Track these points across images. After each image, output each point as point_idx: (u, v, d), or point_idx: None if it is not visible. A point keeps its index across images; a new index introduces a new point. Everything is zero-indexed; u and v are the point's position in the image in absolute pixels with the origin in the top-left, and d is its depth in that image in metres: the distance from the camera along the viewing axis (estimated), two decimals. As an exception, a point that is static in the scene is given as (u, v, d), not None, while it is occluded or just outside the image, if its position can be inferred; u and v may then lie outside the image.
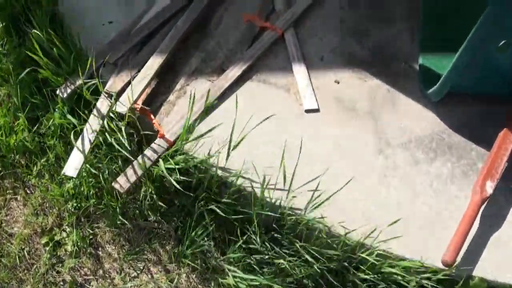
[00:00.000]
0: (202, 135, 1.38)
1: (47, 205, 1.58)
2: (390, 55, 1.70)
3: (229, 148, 1.34)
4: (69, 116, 1.49)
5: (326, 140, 1.48)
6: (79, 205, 1.52)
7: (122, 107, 1.46)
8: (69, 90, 1.53)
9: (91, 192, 1.49)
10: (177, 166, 1.35)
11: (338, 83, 1.62)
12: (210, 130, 1.38)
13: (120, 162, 1.46)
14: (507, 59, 1.35)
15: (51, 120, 1.57)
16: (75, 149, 1.42)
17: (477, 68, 1.40)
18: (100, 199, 1.50)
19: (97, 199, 1.50)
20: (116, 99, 1.47)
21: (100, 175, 1.44)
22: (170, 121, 1.51)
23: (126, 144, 1.39)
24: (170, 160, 1.38)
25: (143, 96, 1.55)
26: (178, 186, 1.32)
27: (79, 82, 1.56)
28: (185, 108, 1.50)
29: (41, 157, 1.60)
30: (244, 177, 1.38)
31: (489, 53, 1.35)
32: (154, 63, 1.55)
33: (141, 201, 1.45)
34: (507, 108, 1.49)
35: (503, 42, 1.28)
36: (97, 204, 1.51)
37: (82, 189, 1.49)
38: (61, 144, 1.55)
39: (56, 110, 1.56)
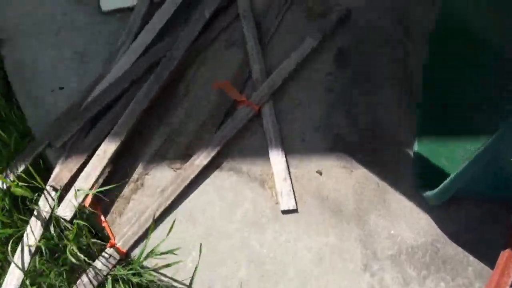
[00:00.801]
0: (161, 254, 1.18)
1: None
2: (380, 135, 1.50)
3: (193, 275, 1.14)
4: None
5: (305, 251, 1.28)
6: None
7: (66, 211, 1.23)
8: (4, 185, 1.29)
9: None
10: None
11: (321, 174, 1.41)
12: (170, 251, 1.18)
13: (65, 275, 1.24)
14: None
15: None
16: (12, 265, 1.20)
17: (489, 177, 1.21)
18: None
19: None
20: (59, 201, 1.24)
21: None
22: (123, 223, 1.29)
23: (72, 258, 1.17)
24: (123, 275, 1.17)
25: (95, 188, 1.32)
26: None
27: (20, 168, 1.33)
28: (141, 206, 1.29)
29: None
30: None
31: (503, 164, 1.15)
32: (108, 149, 1.33)
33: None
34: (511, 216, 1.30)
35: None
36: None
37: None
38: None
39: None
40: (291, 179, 1.38)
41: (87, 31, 1.62)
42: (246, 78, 1.58)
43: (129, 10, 1.68)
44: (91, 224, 1.30)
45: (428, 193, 1.30)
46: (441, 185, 1.23)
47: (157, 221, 1.28)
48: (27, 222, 1.25)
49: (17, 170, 1.30)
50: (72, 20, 1.64)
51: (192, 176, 1.34)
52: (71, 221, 1.22)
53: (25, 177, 1.30)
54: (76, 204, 1.23)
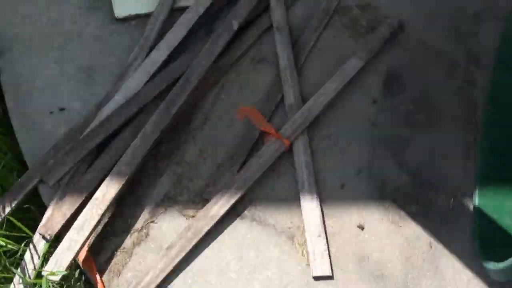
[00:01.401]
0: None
1: None
2: (436, 182, 1.24)
3: None
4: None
5: (340, 333, 1.04)
6: None
7: (55, 269, 1.02)
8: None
9: None
10: None
11: (363, 229, 1.16)
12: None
13: None
14: None
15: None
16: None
17: None
18: None
19: None
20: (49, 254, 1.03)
21: None
22: (121, 285, 1.07)
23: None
24: None
25: (91, 239, 1.11)
26: None
27: (7, 209, 1.13)
28: (144, 264, 1.07)
29: None
30: None
31: None
32: (108, 191, 1.11)
33: None
34: None
35: None
36: None
37: None
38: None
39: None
40: (326, 234, 1.14)
41: (97, 43, 1.40)
42: (277, 103, 1.33)
43: (146, 17, 1.45)
44: (86, 279, 1.09)
45: (491, 266, 1.03)
46: (509, 261, 0.97)
47: (161, 285, 1.05)
48: (11, 281, 1.05)
49: (2, 212, 1.10)
50: (81, 29, 1.42)
51: (206, 228, 1.11)
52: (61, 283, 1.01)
53: (13, 219, 1.09)
54: (69, 261, 1.02)
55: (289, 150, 1.24)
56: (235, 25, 1.40)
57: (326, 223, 1.16)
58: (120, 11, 1.46)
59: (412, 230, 1.17)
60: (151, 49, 1.37)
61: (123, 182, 1.11)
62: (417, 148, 1.27)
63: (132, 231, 1.14)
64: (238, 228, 1.15)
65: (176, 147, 1.23)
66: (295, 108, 1.29)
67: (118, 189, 1.10)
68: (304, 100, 1.31)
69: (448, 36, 1.41)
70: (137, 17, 1.47)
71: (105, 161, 1.19)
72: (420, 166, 1.24)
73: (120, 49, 1.40)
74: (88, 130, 1.23)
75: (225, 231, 1.14)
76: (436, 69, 1.38)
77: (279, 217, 1.17)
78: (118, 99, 1.28)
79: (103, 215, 1.09)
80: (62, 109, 1.32)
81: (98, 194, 1.10)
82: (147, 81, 1.30)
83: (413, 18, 1.45)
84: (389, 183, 1.22)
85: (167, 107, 1.21)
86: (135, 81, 1.30)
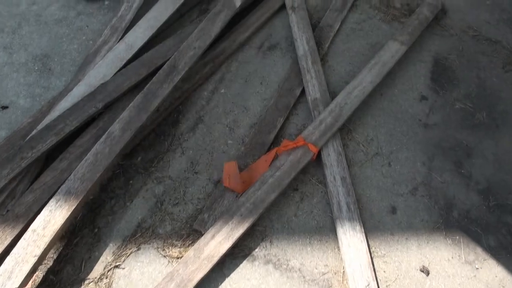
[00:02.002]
0: None
1: None
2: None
3: None
4: None
5: None
6: None
7: None
8: None
9: None
10: None
11: (428, 273, 0.78)
12: None
13: None
14: None
15: None
16: None
17: None
18: None
19: None
20: None
21: None
22: None
23: None
24: None
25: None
26: None
27: None
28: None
29: None
30: None
31: None
32: (51, 220, 0.73)
33: None
34: None
35: None
36: None
37: None
38: None
39: None
40: (377, 283, 0.76)
41: (58, 26, 1.08)
42: (295, 99, 0.98)
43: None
44: None
45: None
46: None
47: None
48: None
49: None
50: (41, 10, 1.09)
51: (199, 276, 0.73)
52: None
53: None
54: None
55: (317, 160, 0.88)
56: (238, 2, 1.07)
57: (376, 265, 0.78)
58: (91, -12, 1.13)
59: (494, 273, 0.80)
60: (126, 31, 1.03)
61: (74, 207, 0.74)
62: (483, 156, 0.92)
63: (86, 281, 0.75)
64: (246, 275, 0.77)
65: (156, 157, 0.87)
66: (322, 104, 0.94)
67: (66, 217, 0.73)
68: (331, 94, 0.96)
69: (499, 20, 1.10)
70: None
71: (52, 175, 0.82)
72: (490, 180, 0.89)
73: (88, 33, 1.07)
74: (33, 132, 0.86)
75: (227, 280, 0.76)
76: (490, 58, 1.06)
77: (307, 258, 0.79)
78: (78, 92, 0.92)
79: (42, 256, 0.71)
80: (4, 107, 0.96)
81: (37, 223, 0.72)
82: (119, 70, 0.95)
83: (454, 2, 1.15)
84: (455, 204, 0.86)
85: (144, 101, 0.85)
86: (102, 70, 0.95)
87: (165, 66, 0.94)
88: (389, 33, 1.08)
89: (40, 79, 1.00)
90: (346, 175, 0.85)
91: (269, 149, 0.90)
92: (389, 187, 0.87)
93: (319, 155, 0.87)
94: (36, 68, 1.02)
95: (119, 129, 0.83)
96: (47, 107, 0.93)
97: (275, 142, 0.92)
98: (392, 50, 1.04)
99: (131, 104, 0.87)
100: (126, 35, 1.02)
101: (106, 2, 1.14)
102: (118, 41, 1.01)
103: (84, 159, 0.79)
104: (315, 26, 1.11)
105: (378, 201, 0.85)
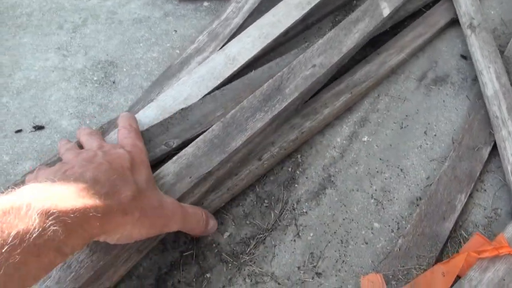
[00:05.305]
0: None
1: None
2: None
3: None
4: None
5: None
6: None
7: None
8: None
9: None
10: None
11: None
12: None
13: None
14: None
15: None
16: None
17: None
18: None
19: None
20: None
21: None
22: None
23: None
24: None
25: None
26: None
27: None
28: None
29: None
30: None
31: None
32: None
33: None
34: None
35: None
36: None
37: None
38: None
39: None
40: None
41: (135, 28, 0.79)
42: (482, 166, 0.59)
43: None
44: None
45: None
46: None
47: None
48: None
49: None
50: (119, 5, 0.82)
51: None
52: None
53: None
54: None
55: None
56: (386, 10, 0.72)
57: None
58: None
59: None
60: (230, 39, 0.72)
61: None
62: None
63: None
64: None
65: (253, 237, 0.51)
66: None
67: None
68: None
69: None
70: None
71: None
72: None
73: (174, 40, 0.77)
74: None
75: None
76: None
77: None
78: (145, 118, 0.61)
79: None
80: (38, 128, 0.66)
81: None
82: (211, 91, 0.63)
83: None
84: None
85: (223, 135, 0.52)
86: (186, 89, 0.63)
87: (264, 86, 0.60)
88: None
89: (98, 93, 0.70)
90: None
91: (444, 248, 0.52)
92: None
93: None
94: (95, 79, 0.73)
95: (172, 174, 0.49)
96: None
97: (452, 235, 0.53)
98: None
99: (200, 137, 0.53)
100: (227, 45, 0.70)
101: (206, 3, 0.84)
102: (217, 51, 0.69)
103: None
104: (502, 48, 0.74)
105: None
